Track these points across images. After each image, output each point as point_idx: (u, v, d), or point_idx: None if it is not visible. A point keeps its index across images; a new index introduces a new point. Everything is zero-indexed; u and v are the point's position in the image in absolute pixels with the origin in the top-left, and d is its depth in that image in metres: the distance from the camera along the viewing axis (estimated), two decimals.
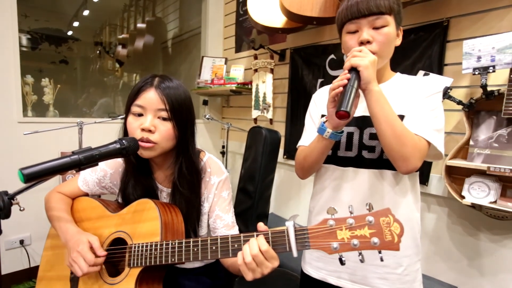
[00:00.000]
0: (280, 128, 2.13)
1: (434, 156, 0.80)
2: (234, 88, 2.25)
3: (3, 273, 1.90)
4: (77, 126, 1.77)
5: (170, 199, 0.88)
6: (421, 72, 1.37)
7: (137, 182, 0.89)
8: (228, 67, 2.47)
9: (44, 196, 0.96)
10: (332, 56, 1.83)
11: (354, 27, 0.78)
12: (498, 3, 1.21)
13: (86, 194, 0.97)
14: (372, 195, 0.81)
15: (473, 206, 1.18)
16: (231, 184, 0.95)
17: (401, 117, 0.77)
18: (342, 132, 0.77)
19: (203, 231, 0.92)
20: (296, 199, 2.15)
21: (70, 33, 2.47)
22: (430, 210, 1.45)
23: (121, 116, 1.86)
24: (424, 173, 1.41)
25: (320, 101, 0.93)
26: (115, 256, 0.82)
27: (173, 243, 0.73)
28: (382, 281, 0.81)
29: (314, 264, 0.91)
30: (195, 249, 0.70)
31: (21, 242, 1.97)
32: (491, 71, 1.12)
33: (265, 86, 2.14)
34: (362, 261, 0.56)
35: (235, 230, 0.91)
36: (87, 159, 0.67)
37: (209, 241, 0.69)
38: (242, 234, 0.66)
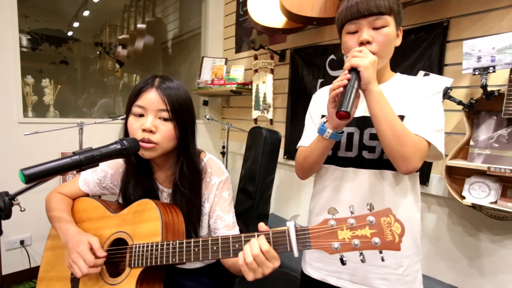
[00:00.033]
0: (280, 128, 2.14)
1: (434, 156, 0.80)
2: (234, 88, 2.25)
3: (3, 273, 1.90)
4: (77, 126, 1.78)
5: (171, 199, 0.89)
6: (421, 72, 1.37)
7: (137, 182, 0.89)
8: (228, 67, 2.47)
9: (45, 196, 0.96)
10: (332, 56, 1.83)
11: (354, 27, 0.78)
12: (498, 4, 1.21)
13: (87, 195, 0.97)
14: (372, 196, 0.81)
15: (474, 206, 1.18)
16: (232, 184, 0.95)
17: (401, 117, 0.77)
18: (343, 132, 0.77)
19: (203, 231, 0.92)
20: (296, 200, 2.15)
21: (70, 33, 2.47)
22: (431, 211, 1.45)
23: (122, 117, 1.87)
24: (424, 173, 1.41)
25: (320, 102, 0.93)
26: (116, 256, 0.82)
27: (174, 244, 0.73)
28: (383, 282, 0.81)
29: (314, 265, 0.91)
30: (196, 249, 0.70)
31: (22, 242, 1.97)
32: (491, 71, 1.12)
33: (265, 86, 2.14)
34: (363, 261, 0.56)
35: (235, 231, 0.91)
36: (88, 160, 0.68)
37: (210, 241, 0.69)
38: (243, 234, 0.66)
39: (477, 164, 1.18)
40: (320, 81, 1.91)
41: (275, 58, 2.14)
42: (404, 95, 0.80)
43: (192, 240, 0.72)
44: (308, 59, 1.97)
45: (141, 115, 0.80)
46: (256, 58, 2.20)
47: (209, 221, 0.92)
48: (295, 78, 2.06)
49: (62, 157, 0.66)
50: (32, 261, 2.01)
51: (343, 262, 0.57)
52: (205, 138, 2.78)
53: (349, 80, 0.70)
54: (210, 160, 0.92)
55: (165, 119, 0.80)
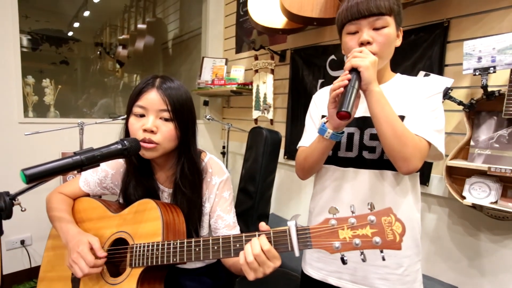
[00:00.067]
0: (281, 128, 2.14)
1: (434, 156, 0.80)
2: (234, 88, 2.25)
3: (4, 273, 1.91)
4: (78, 126, 1.78)
5: (172, 199, 0.89)
6: (422, 73, 1.37)
7: (138, 182, 0.89)
8: (229, 67, 2.48)
9: (45, 196, 0.96)
10: (333, 56, 1.83)
11: (354, 28, 0.78)
12: (499, 4, 1.21)
13: (87, 195, 0.97)
14: (373, 196, 0.81)
15: (474, 206, 1.19)
16: (232, 184, 0.95)
17: (402, 117, 0.77)
18: (343, 132, 0.77)
19: (204, 231, 0.92)
20: (297, 200, 2.15)
21: (70, 33, 2.47)
22: (431, 211, 1.45)
23: (122, 117, 1.87)
24: (424, 173, 1.41)
25: (320, 102, 0.93)
26: (117, 256, 0.82)
27: (175, 243, 0.74)
28: (383, 282, 0.81)
29: (315, 265, 0.91)
30: (197, 249, 0.70)
31: (22, 242, 1.97)
32: (491, 71, 1.13)
33: (266, 86, 2.14)
34: (364, 260, 0.56)
35: (236, 230, 0.91)
36: (89, 160, 0.68)
37: (210, 241, 0.69)
38: (244, 234, 0.66)
39: (478, 164, 1.18)
40: (320, 81, 1.92)
41: (276, 58, 2.14)
42: (404, 95, 0.80)
43: (193, 239, 0.72)
44: (308, 60, 1.98)
45: (142, 115, 0.80)
46: (256, 58, 2.20)
47: (209, 221, 0.92)
48: (296, 78, 2.06)
49: (63, 157, 0.66)
50: (33, 261, 2.01)
51: (344, 262, 0.57)
52: (205, 138, 2.79)
53: (349, 80, 0.70)
54: (211, 160, 0.92)
55: (166, 119, 0.80)
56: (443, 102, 1.03)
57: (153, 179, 0.91)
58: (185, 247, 0.72)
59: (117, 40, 2.78)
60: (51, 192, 0.97)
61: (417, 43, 1.43)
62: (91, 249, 0.77)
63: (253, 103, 2.25)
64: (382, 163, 0.80)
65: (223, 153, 2.56)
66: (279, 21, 1.80)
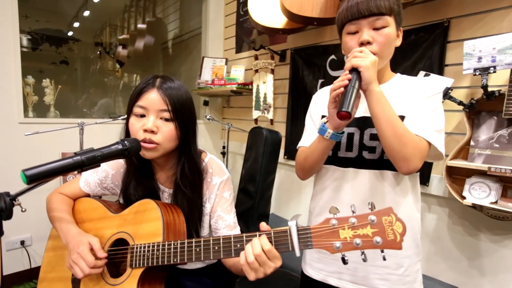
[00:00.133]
0: (281, 128, 2.14)
1: (434, 156, 0.80)
2: (234, 88, 2.25)
3: (4, 273, 1.90)
4: (78, 126, 1.78)
5: (172, 199, 0.89)
6: (422, 73, 1.37)
7: (138, 183, 0.89)
8: (229, 67, 2.47)
9: (45, 197, 0.96)
10: (333, 56, 1.83)
11: (354, 28, 0.78)
12: (499, 4, 1.21)
13: (88, 195, 0.97)
14: (373, 196, 0.81)
15: (474, 206, 1.19)
16: (232, 184, 0.95)
17: (402, 117, 0.77)
18: (343, 132, 0.77)
19: (204, 231, 0.92)
20: (297, 200, 2.15)
21: (70, 33, 2.47)
22: (431, 211, 1.45)
23: (122, 117, 1.87)
24: (424, 173, 1.41)
25: (320, 102, 0.93)
26: (117, 256, 0.82)
27: (175, 244, 0.73)
28: (383, 282, 0.81)
29: (315, 265, 0.91)
30: (198, 249, 0.70)
31: (22, 242, 1.97)
32: (492, 71, 1.13)
33: (266, 86, 2.14)
34: (364, 260, 0.56)
35: (237, 231, 0.91)
36: (90, 160, 0.68)
37: (211, 241, 0.69)
38: (244, 234, 0.66)
39: (478, 164, 1.18)
40: (320, 81, 1.92)
41: (276, 58, 2.14)
42: (404, 95, 0.80)
43: (194, 240, 0.72)
44: (308, 59, 1.98)
45: (142, 116, 0.80)
46: (256, 58, 2.20)
47: (210, 221, 0.92)
48: (296, 78, 2.06)
49: (64, 157, 0.66)
50: (33, 262, 2.01)
51: (344, 262, 0.57)
52: (205, 138, 2.79)
53: (350, 80, 0.70)
54: (211, 160, 0.92)
55: (166, 120, 0.80)
56: (443, 102, 1.03)
57: (153, 179, 0.91)
58: (185, 247, 0.72)
59: (117, 40, 2.78)
60: (51, 192, 0.96)
61: (417, 43, 1.43)
62: (92, 249, 0.77)
63: (253, 103, 2.25)
64: (382, 163, 0.80)
65: (223, 153, 2.56)
66: (279, 21, 1.80)
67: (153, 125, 0.78)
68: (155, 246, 0.76)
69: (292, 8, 1.57)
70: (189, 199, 0.86)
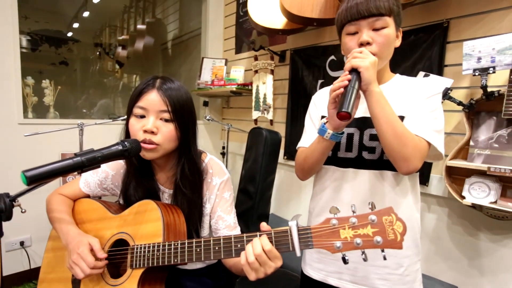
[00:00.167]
0: (281, 129, 2.14)
1: (434, 156, 0.80)
2: (234, 89, 2.25)
3: (3, 274, 1.90)
4: (77, 127, 1.78)
5: (172, 200, 0.89)
6: (422, 73, 1.37)
7: (138, 183, 0.89)
8: (228, 68, 2.48)
9: (45, 197, 0.96)
10: (332, 57, 1.83)
11: (353, 28, 0.78)
12: (498, 4, 1.22)
13: (88, 196, 0.97)
14: (373, 196, 0.81)
15: (474, 206, 1.19)
16: (232, 184, 0.95)
17: (401, 118, 0.77)
18: (343, 133, 0.77)
19: (205, 232, 0.92)
20: (297, 200, 2.15)
21: (70, 34, 2.47)
22: (431, 210, 1.45)
23: (122, 117, 1.87)
24: (424, 173, 1.42)
25: (319, 102, 0.93)
26: (117, 257, 0.82)
27: (176, 244, 0.73)
28: (383, 282, 0.81)
29: (314, 265, 0.91)
30: (198, 250, 0.70)
31: (21, 243, 1.97)
32: (491, 72, 1.13)
33: (266, 87, 2.14)
34: (365, 260, 0.56)
35: (237, 231, 0.91)
36: (90, 161, 0.68)
37: (211, 241, 0.69)
38: (245, 234, 0.66)
39: (477, 164, 1.18)
40: (320, 81, 1.92)
41: (275, 58, 2.14)
42: (404, 96, 0.81)
43: (194, 240, 0.72)
44: (308, 60, 1.98)
45: (142, 116, 0.80)
46: (256, 58, 2.20)
47: (210, 221, 0.92)
48: (295, 78, 2.06)
49: (64, 158, 0.66)
50: (32, 262, 2.01)
51: (345, 261, 0.57)
52: (205, 138, 2.79)
53: (349, 80, 0.70)
54: (211, 161, 0.92)
55: (166, 120, 0.80)
56: (442, 102, 1.03)
57: (153, 180, 0.92)
58: (186, 247, 0.72)
59: (116, 41, 2.78)
60: (51, 193, 0.96)
61: (417, 43, 1.43)
62: (92, 250, 0.77)
63: (253, 104, 2.25)
64: (382, 163, 0.81)
65: (223, 154, 2.56)
66: (278, 22, 1.80)
67: (153, 126, 0.79)
68: (156, 246, 0.76)
69: (292, 8, 1.58)
70: (189, 200, 0.86)
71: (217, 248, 0.68)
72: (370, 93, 0.71)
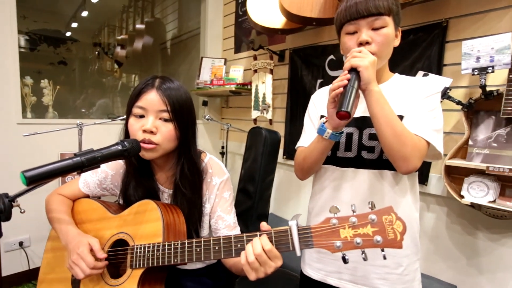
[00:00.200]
0: (280, 128, 2.14)
1: (433, 156, 0.81)
2: (233, 88, 2.25)
3: (2, 275, 1.90)
4: (76, 127, 1.77)
5: (172, 200, 0.89)
6: (421, 73, 1.38)
7: (138, 183, 0.89)
8: (228, 67, 2.48)
9: (44, 198, 0.96)
10: (332, 56, 1.84)
11: (353, 28, 0.78)
12: (497, 4, 1.22)
13: (87, 196, 0.97)
14: (372, 195, 0.81)
15: (472, 205, 1.19)
16: (231, 184, 0.95)
17: (400, 117, 0.77)
18: (342, 132, 0.78)
19: (204, 232, 0.92)
20: (296, 200, 2.15)
21: (68, 34, 2.47)
22: (430, 210, 1.45)
23: (121, 117, 1.87)
24: (423, 173, 1.42)
25: (319, 102, 0.93)
26: (117, 257, 0.82)
27: (176, 244, 0.73)
28: (382, 281, 0.82)
29: (314, 265, 0.91)
30: (198, 250, 0.70)
31: (20, 244, 1.96)
32: (490, 71, 1.13)
33: (265, 86, 2.15)
34: (365, 259, 0.56)
35: (237, 231, 0.91)
36: (89, 161, 0.68)
37: (211, 241, 0.69)
38: (245, 234, 0.66)
39: (476, 163, 1.19)
40: (319, 81, 1.92)
41: (275, 58, 2.14)
42: (403, 95, 0.81)
43: (194, 240, 0.72)
44: (307, 59, 1.98)
45: (142, 116, 0.80)
46: (255, 58, 2.20)
47: (210, 221, 0.92)
48: (295, 78, 2.06)
49: (64, 158, 0.66)
50: (31, 263, 2.00)
51: (345, 261, 0.58)
52: (204, 138, 2.79)
53: (349, 80, 0.70)
54: (211, 161, 0.92)
55: (165, 120, 0.80)
56: (441, 101, 1.03)
57: (153, 180, 0.91)
58: (186, 247, 0.72)
59: (115, 40, 2.77)
60: (50, 193, 0.96)
61: (416, 43, 1.44)
62: (91, 250, 0.77)
63: (252, 103, 2.25)
64: (381, 163, 0.81)
65: (222, 153, 2.56)
66: (278, 21, 1.80)
67: (152, 126, 0.78)
68: (155, 246, 0.76)
69: (291, 8, 1.58)
70: (189, 200, 0.86)
71: (217, 248, 0.68)
72: (370, 92, 0.72)
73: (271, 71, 2.11)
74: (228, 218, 0.90)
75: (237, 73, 2.36)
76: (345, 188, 0.85)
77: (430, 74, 1.34)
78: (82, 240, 0.79)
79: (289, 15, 1.62)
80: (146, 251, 0.76)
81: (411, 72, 1.43)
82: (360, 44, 0.76)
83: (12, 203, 0.69)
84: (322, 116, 0.89)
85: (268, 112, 2.16)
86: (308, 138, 0.89)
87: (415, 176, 0.85)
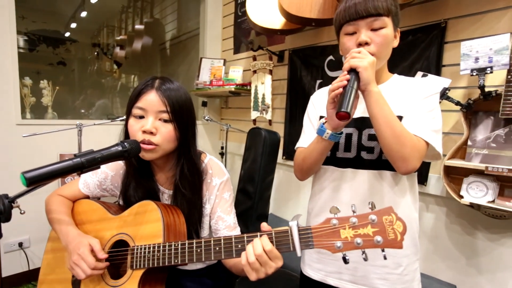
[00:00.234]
0: (279, 129, 2.14)
1: (432, 156, 0.81)
2: (233, 89, 2.25)
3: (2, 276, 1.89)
4: (76, 128, 1.77)
5: (172, 200, 0.89)
6: (420, 73, 1.38)
7: (138, 184, 0.89)
8: (227, 68, 2.48)
9: (43, 198, 0.96)
10: (331, 57, 1.84)
11: (352, 28, 0.78)
12: (495, 5, 1.22)
13: (87, 197, 0.97)
14: (372, 196, 0.82)
15: (472, 205, 1.19)
16: (231, 185, 0.95)
17: (399, 118, 0.77)
18: (341, 133, 0.78)
19: (204, 232, 0.92)
20: (295, 200, 2.16)
21: (67, 34, 2.46)
22: (429, 210, 1.46)
23: (120, 118, 1.86)
24: (422, 173, 1.42)
25: (318, 103, 0.93)
26: (117, 258, 0.82)
27: (176, 245, 0.74)
28: (382, 282, 0.82)
29: (314, 266, 0.91)
30: (199, 250, 0.71)
31: (20, 244, 1.96)
32: (488, 72, 1.13)
33: (264, 87, 2.15)
34: (365, 259, 0.56)
35: (237, 231, 0.91)
36: (90, 162, 0.68)
37: (212, 242, 0.69)
38: (245, 234, 0.66)
39: (475, 163, 1.19)
40: (318, 81, 1.92)
41: (274, 59, 2.15)
42: (402, 96, 0.81)
43: (195, 241, 0.72)
44: (306, 60, 1.98)
45: (142, 117, 0.80)
46: (254, 59, 2.20)
47: (210, 222, 0.92)
48: (294, 79, 2.07)
49: (64, 159, 0.66)
50: (31, 264, 2.00)
51: (346, 261, 0.58)
52: (203, 139, 2.79)
53: (348, 80, 0.70)
54: (211, 161, 0.92)
55: (165, 121, 0.80)
56: (440, 102, 1.04)
57: (153, 180, 0.91)
58: (186, 248, 0.72)
59: (114, 41, 2.77)
60: (50, 194, 0.96)
61: (415, 43, 1.44)
62: (92, 251, 0.77)
63: (252, 104, 2.25)
64: (381, 163, 0.81)
65: (222, 154, 2.56)
66: (277, 22, 1.80)
67: (152, 126, 0.78)
68: (156, 247, 0.76)
69: (290, 9, 1.58)
70: (189, 200, 0.86)
71: (217, 248, 0.68)
72: (369, 93, 0.72)
73: (271, 72, 2.11)
74: (228, 219, 0.90)
75: (236, 74, 2.36)
76: (345, 189, 0.85)
77: (429, 75, 1.34)
78: (82, 240, 0.79)
79: (288, 16, 1.63)
80: (147, 252, 0.76)
81: (410, 72, 1.43)
82: (359, 44, 0.77)
83: (12, 204, 0.69)
84: (321, 117, 0.89)
85: (268, 113, 2.16)
86: (307, 138, 0.89)
87: (415, 176, 0.86)
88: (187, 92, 0.86)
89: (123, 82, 2.86)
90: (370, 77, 0.71)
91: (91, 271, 0.74)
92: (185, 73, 3.02)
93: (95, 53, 2.64)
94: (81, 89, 2.56)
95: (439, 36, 1.37)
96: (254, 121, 2.29)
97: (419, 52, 1.43)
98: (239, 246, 0.66)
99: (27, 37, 2.22)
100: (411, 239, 0.83)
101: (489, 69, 1.13)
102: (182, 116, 0.82)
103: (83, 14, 2.53)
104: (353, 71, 0.72)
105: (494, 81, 1.22)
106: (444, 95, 1.25)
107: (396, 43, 0.82)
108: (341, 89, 0.71)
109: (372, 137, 0.81)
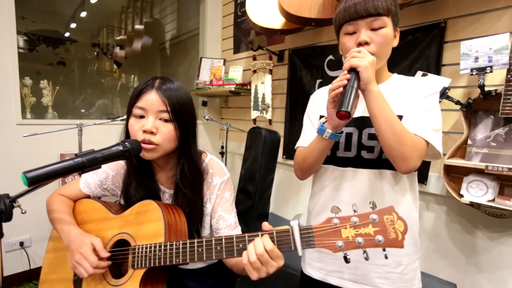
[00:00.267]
0: (279, 128, 2.14)
1: (432, 155, 0.81)
2: (233, 89, 2.25)
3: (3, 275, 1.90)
4: (76, 128, 1.77)
5: (173, 200, 0.89)
6: (420, 73, 1.38)
7: (139, 184, 0.89)
8: (227, 68, 2.48)
9: (44, 198, 0.96)
10: (331, 57, 1.84)
11: (352, 28, 0.78)
12: (495, 5, 1.22)
13: (88, 196, 0.97)
14: (372, 195, 0.82)
15: (472, 204, 1.20)
16: (232, 184, 0.96)
17: (399, 117, 0.78)
18: (342, 132, 0.78)
19: (205, 232, 0.92)
20: (296, 199, 2.16)
21: (67, 34, 2.46)
22: (429, 209, 1.46)
23: (120, 118, 1.86)
24: (423, 172, 1.43)
25: (318, 102, 0.93)
26: (119, 257, 0.83)
27: (177, 244, 0.74)
28: (383, 280, 0.82)
29: (314, 265, 0.92)
30: (200, 250, 0.71)
31: (21, 244, 1.96)
32: (488, 71, 1.14)
33: (264, 87, 2.15)
34: (366, 259, 0.57)
35: (238, 231, 0.92)
36: (90, 162, 0.68)
37: (213, 241, 0.69)
38: (246, 234, 0.66)
39: (475, 162, 1.19)
40: (318, 81, 1.92)
41: (274, 58, 2.15)
42: (402, 95, 0.81)
43: (196, 240, 0.72)
44: (306, 60, 1.98)
45: (142, 117, 0.81)
46: (254, 58, 2.20)
47: (211, 221, 0.92)
48: (294, 78, 2.07)
49: (65, 159, 0.66)
50: (32, 263, 2.00)
51: (347, 260, 0.58)
52: (204, 138, 2.79)
53: (348, 80, 0.71)
54: (212, 161, 0.93)
55: (165, 120, 0.80)
56: (440, 101, 1.04)
57: (154, 180, 0.92)
58: (187, 247, 0.72)
59: (114, 41, 2.77)
60: (51, 194, 0.96)
61: (415, 43, 1.44)
62: (94, 250, 0.78)
63: (252, 103, 2.25)
64: (381, 162, 0.81)
65: (222, 153, 2.56)
66: (277, 22, 1.80)
67: (152, 126, 0.79)
68: (157, 246, 0.76)
69: (290, 9, 1.58)
70: (190, 200, 0.86)
71: (219, 248, 0.68)
72: (369, 92, 0.72)
73: (270, 71, 2.12)
74: (229, 218, 0.90)
75: (236, 74, 2.37)
76: (345, 188, 0.85)
77: (429, 74, 1.34)
78: (84, 239, 0.79)
79: (288, 16, 1.63)
80: (148, 251, 0.77)
81: (410, 72, 1.44)
82: (359, 44, 0.77)
83: (13, 203, 0.69)
84: (321, 116, 0.89)
85: (268, 112, 2.16)
86: (307, 138, 0.89)
87: (415, 175, 0.86)
88: (188, 92, 0.86)
89: (123, 82, 2.86)
90: (370, 76, 0.71)
91: (93, 270, 0.75)
92: (185, 73, 3.02)
93: (95, 53, 2.64)
94: (81, 89, 2.56)
95: (439, 35, 1.37)
96: (254, 120, 2.29)
97: (418, 52, 1.43)
98: (241, 245, 0.66)
99: (27, 37, 2.22)
100: (412, 238, 0.83)
101: (488, 68, 1.13)
102: (182, 115, 0.82)
103: (83, 14, 2.53)
104: (353, 70, 0.72)
105: (494, 80, 1.22)
106: (444, 94, 1.25)
107: (396, 42, 0.83)
108: (341, 89, 0.71)
109: (372, 137, 0.81)
